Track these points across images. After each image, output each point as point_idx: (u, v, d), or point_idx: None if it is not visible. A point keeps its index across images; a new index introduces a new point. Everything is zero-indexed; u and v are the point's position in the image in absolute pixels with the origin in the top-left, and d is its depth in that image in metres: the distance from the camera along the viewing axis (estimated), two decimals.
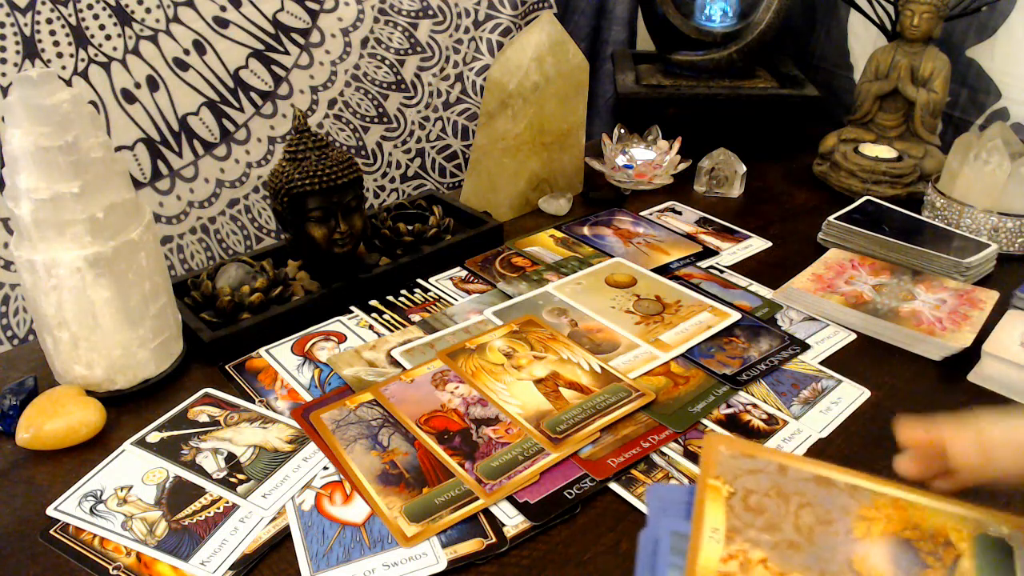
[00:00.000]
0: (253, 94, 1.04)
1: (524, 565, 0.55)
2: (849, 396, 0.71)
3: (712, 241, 0.98)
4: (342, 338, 0.79)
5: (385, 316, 0.83)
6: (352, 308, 0.84)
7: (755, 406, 0.69)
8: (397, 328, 0.80)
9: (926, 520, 0.39)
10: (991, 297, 0.84)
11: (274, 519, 0.58)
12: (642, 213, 1.05)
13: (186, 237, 1.04)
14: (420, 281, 0.89)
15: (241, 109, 1.04)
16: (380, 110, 1.17)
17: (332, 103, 1.12)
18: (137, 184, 0.98)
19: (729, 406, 0.69)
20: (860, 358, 0.77)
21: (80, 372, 0.68)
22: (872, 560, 0.38)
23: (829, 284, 0.86)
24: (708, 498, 0.39)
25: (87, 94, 0.91)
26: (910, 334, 0.78)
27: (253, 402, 0.70)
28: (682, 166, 1.10)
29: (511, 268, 0.91)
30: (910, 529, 0.39)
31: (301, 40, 1.06)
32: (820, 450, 0.65)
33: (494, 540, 0.56)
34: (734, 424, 0.67)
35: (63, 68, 0.89)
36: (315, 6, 1.06)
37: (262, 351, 0.77)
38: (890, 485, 0.40)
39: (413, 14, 1.14)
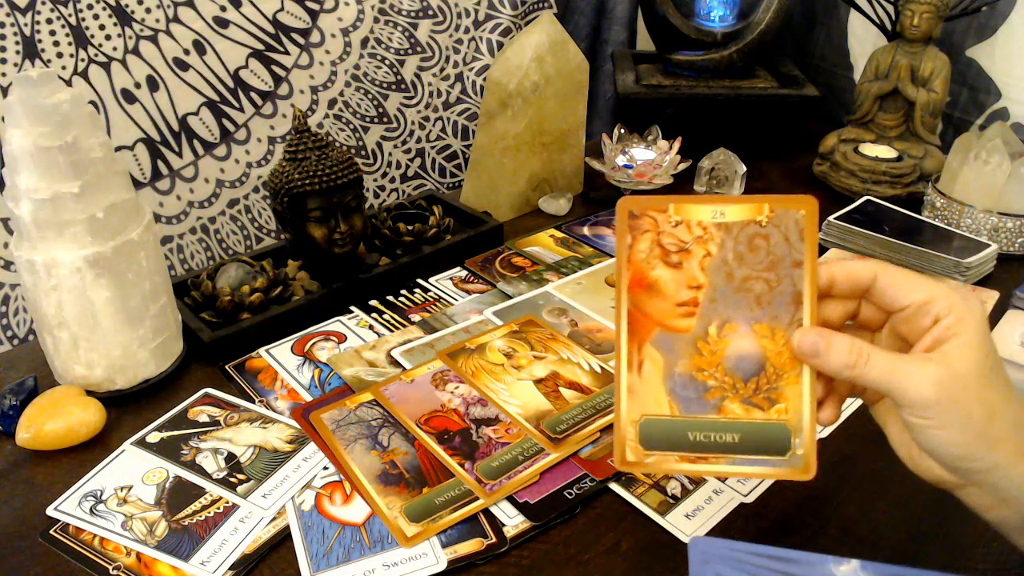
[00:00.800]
0: (253, 94, 1.04)
1: (524, 565, 0.55)
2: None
3: None
4: (342, 338, 0.79)
5: (385, 316, 0.82)
6: (352, 308, 0.84)
7: None
8: (397, 328, 0.80)
9: (791, 392, 0.44)
10: (991, 297, 0.84)
11: (274, 519, 0.58)
12: None
13: (186, 237, 1.04)
14: (420, 281, 0.89)
15: (241, 109, 1.04)
16: (380, 110, 1.17)
17: (332, 103, 1.12)
18: (137, 184, 0.98)
19: None
20: None
21: (80, 372, 0.68)
22: (734, 349, 0.44)
23: None
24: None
25: (87, 94, 0.91)
26: None
27: (253, 402, 0.70)
28: (682, 166, 1.10)
29: (511, 268, 0.91)
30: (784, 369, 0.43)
31: (301, 40, 1.06)
32: (820, 449, 0.65)
33: (494, 540, 0.56)
34: None
35: (63, 68, 0.89)
36: (315, 6, 1.06)
37: (262, 351, 0.77)
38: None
39: (413, 14, 1.14)
